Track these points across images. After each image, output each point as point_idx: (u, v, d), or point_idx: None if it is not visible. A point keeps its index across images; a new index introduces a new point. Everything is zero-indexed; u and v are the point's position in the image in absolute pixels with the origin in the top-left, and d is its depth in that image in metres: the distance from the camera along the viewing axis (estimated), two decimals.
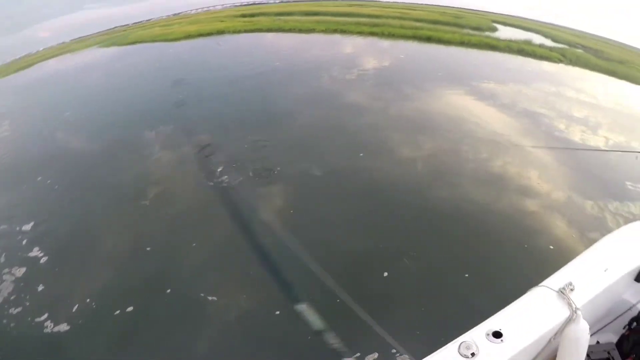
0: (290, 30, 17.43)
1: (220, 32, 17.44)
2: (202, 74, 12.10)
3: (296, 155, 7.23)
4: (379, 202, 6.07)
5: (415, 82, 10.41)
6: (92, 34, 20.36)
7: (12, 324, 4.61)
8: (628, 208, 6.05)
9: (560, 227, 5.63)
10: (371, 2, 25.67)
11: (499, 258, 5.17)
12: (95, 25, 21.32)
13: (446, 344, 1.85)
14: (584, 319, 1.93)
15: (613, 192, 6.40)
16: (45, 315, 4.60)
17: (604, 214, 5.91)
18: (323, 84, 10.59)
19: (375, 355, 3.95)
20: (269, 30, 17.94)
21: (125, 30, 20.88)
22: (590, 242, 5.05)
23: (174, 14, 23.50)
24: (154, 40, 17.29)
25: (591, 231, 5.59)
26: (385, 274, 4.84)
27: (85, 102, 10.60)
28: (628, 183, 6.63)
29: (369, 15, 20.08)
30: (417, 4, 24.69)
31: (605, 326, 2.37)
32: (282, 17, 19.83)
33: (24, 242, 5.59)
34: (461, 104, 9.09)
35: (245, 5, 25.48)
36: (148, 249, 5.43)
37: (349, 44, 15.00)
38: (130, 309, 4.59)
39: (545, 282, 2.15)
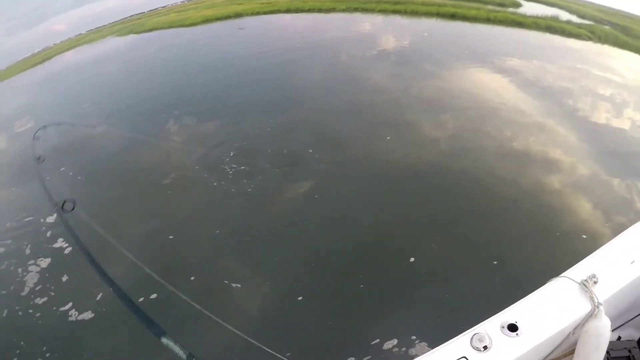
0: (309, 10, 17.07)
1: (239, 15, 17.31)
2: (222, 58, 12.14)
3: (320, 139, 7.17)
4: (406, 187, 6.01)
5: (440, 61, 10.13)
6: (107, 24, 20.56)
7: (37, 314, 4.80)
8: None
9: (585, 209, 5.41)
10: None
11: (528, 244, 5.03)
12: (109, 16, 21.54)
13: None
14: (606, 313, 1.83)
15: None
16: (70, 305, 4.76)
17: (632, 195, 5.65)
18: (345, 65, 10.47)
19: (395, 341, 3.96)
20: (288, 11, 17.68)
21: (140, 19, 21.03)
22: (617, 225, 4.94)
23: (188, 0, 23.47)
24: (170, 26, 17.36)
25: (618, 214, 5.37)
26: (412, 259, 4.78)
27: (105, 92, 10.71)
28: None
29: None
30: None
31: (628, 322, 2.26)
32: None
33: (49, 233, 5.75)
34: (486, 82, 8.84)
35: None
36: (171, 237, 5.54)
37: (371, 23, 14.69)
38: (154, 296, 4.69)
39: (567, 272, 2.03)
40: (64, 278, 5.10)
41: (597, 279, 1.93)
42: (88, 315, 4.63)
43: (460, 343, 1.86)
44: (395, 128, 7.30)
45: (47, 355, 4.37)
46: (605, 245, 2.19)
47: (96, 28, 20.46)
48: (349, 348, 4.00)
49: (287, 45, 12.41)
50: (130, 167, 7.18)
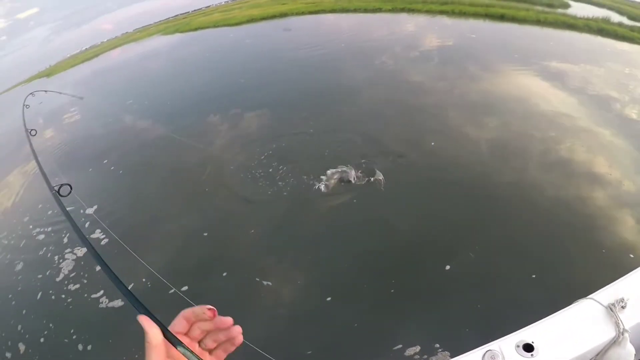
0: (355, 11, 17.13)
1: (283, 15, 17.60)
2: (267, 58, 12.29)
3: (362, 140, 7.13)
4: (447, 192, 5.87)
5: (487, 63, 9.86)
6: (153, 23, 21.37)
7: (69, 299, 5.06)
8: None
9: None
10: None
11: (570, 259, 4.78)
12: (155, 15, 22.41)
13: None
14: (631, 342, 1.74)
15: None
16: (101, 293, 4.97)
17: None
18: (390, 65, 10.37)
19: (417, 348, 3.88)
20: (333, 11, 17.82)
21: (185, 18, 21.73)
22: None
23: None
24: (215, 25, 17.83)
25: None
26: (448, 267, 4.66)
27: (148, 89, 11.16)
28: None
29: None
30: None
31: None
32: None
33: (87, 224, 6.03)
34: (533, 86, 8.52)
35: None
36: (205, 234, 5.66)
37: (417, 24, 14.54)
38: (184, 288, 4.80)
39: (594, 295, 1.92)
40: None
41: (626, 304, 1.82)
42: (118, 303, 4.80)
43: (471, 359, 1.82)
44: (439, 131, 7.15)
45: (74, 337, 4.60)
46: (638, 270, 2.08)
47: (143, 27, 21.30)
48: (370, 352, 3.97)
49: (332, 46, 12.51)
50: (169, 165, 7.40)
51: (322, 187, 6.04)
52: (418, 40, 12.17)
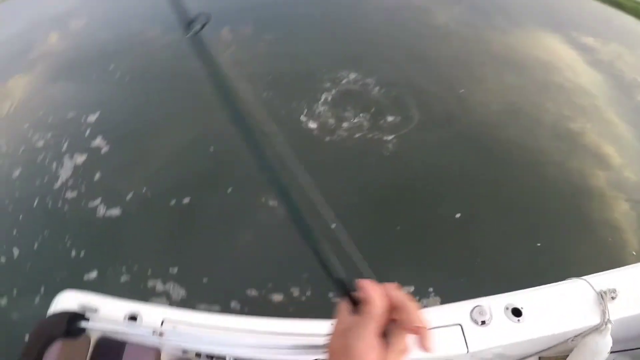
0: None
1: None
2: None
3: (379, 82, 6.91)
4: (464, 143, 5.89)
5: (516, 18, 9.40)
6: None
7: (66, 207, 5.12)
8: None
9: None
10: None
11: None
12: None
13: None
14: (611, 333, 1.80)
15: None
16: (99, 200, 5.04)
17: None
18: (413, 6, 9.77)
19: (412, 288, 4.06)
20: None
21: None
22: None
23: None
24: None
25: None
26: (458, 214, 4.76)
27: None
28: None
29: None
30: None
31: (628, 350, 2.20)
32: None
33: (88, 131, 6.00)
34: (557, 52, 8.27)
35: None
36: (211, 149, 5.65)
37: None
38: (186, 200, 4.93)
39: (588, 277, 1.99)
40: (97, 176, 5.36)
41: (617, 295, 1.88)
42: (115, 212, 4.90)
43: (460, 310, 1.89)
44: (457, 80, 7.01)
45: (68, 244, 4.70)
46: (636, 265, 2.12)
47: None
48: None
49: None
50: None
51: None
52: None
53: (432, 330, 1.79)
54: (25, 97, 7.35)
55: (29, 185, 5.49)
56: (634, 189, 5.52)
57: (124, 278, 4.34)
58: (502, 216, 4.92)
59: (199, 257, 4.54)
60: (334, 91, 6.55)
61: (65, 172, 5.47)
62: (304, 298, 4.10)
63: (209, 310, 3.81)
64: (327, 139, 5.78)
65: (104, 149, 5.69)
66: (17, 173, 5.76)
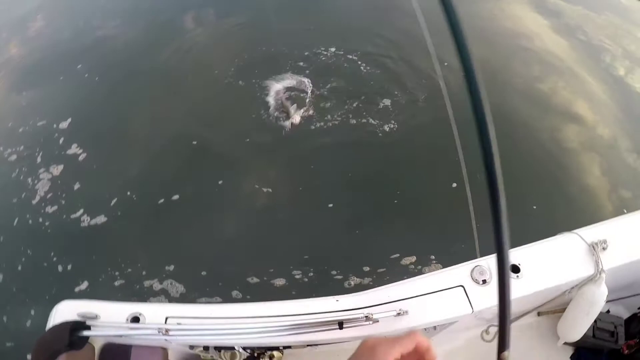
0: None
1: None
2: None
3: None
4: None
5: None
6: None
7: (47, 222, 4.97)
8: None
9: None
10: None
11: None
12: None
13: None
14: (606, 283, 1.88)
15: None
16: (81, 211, 4.94)
17: None
18: None
19: (413, 258, 4.21)
20: None
21: None
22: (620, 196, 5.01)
23: None
24: None
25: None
26: (454, 184, 4.82)
27: None
28: None
29: None
30: None
31: (621, 299, 2.30)
32: None
33: (62, 140, 5.81)
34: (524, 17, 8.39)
35: None
36: (194, 142, 5.59)
37: None
38: (175, 197, 4.90)
39: (579, 230, 2.08)
40: (76, 186, 5.24)
41: (607, 245, 1.95)
42: (100, 219, 4.83)
43: (460, 272, 1.95)
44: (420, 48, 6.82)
45: (54, 259, 4.61)
46: (626, 215, 2.21)
47: None
48: (368, 258, 4.26)
49: None
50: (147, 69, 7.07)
51: None
52: None
53: (436, 293, 1.85)
54: None
55: (6, 204, 5.29)
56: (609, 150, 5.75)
57: (118, 283, 4.31)
58: (512, 186, 5.02)
59: (195, 252, 4.54)
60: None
61: (42, 186, 5.32)
62: (306, 279, 4.17)
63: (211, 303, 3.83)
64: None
65: (81, 156, 5.54)
66: None
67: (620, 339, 2.20)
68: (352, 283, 4.09)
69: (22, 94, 6.97)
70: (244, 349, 1.96)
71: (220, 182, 5.07)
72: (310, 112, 5.87)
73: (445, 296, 1.85)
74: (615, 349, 2.23)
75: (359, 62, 6.63)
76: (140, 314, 1.82)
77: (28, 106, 6.68)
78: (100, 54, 7.57)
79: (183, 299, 4.06)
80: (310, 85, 6.25)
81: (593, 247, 1.94)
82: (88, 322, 1.73)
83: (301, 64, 6.63)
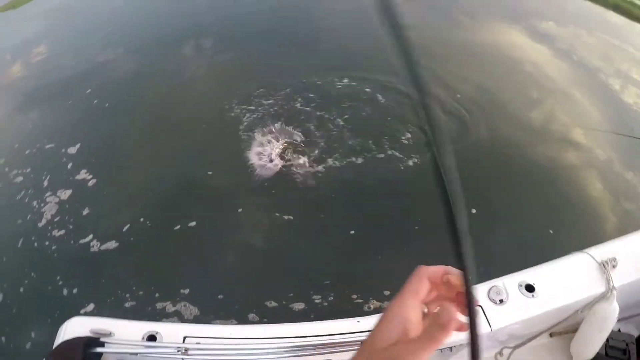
0: None
1: None
2: None
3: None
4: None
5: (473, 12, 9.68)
6: None
7: (54, 246, 4.97)
8: None
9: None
10: None
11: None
12: None
13: None
14: (617, 300, 1.98)
15: None
16: (90, 237, 4.94)
17: None
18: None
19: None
20: None
21: None
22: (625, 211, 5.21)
23: None
24: None
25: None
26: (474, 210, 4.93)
27: (123, 17, 10.46)
28: None
29: None
30: None
31: (632, 316, 2.37)
32: None
33: (70, 165, 5.86)
34: (518, 42, 8.65)
35: None
36: (210, 172, 5.63)
37: None
38: (192, 224, 4.92)
39: (589, 250, 2.19)
40: (85, 211, 5.27)
41: (617, 263, 2.04)
42: (111, 244, 4.83)
43: (477, 292, 1.99)
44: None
45: (60, 283, 4.59)
46: (634, 233, 2.32)
47: None
48: (388, 282, 4.19)
49: None
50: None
51: None
52: None
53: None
54: None
55: (11, 225, 5.30)
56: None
57: (128, 304, 4.29)
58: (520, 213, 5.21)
59: (211, 276, 4.58)
60: None
61: (49, 209, 5.34)
62: (325, 303, 4.19)
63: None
64: None
65: (90, 182, 5.60)
66: None
67: (632, 356, 2.28)
68: (372, 306, 4.12)
69: (29, 115, 7.06)
70: None
71: (239, 210, 5.12)
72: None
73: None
74: None
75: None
76: (157, 333, 1.81)
77: (36, 128, 6.76)
78: (108, 79, 7.67)
79: (197, 321, 4.05)
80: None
81: (603, 265, 2.04)
82: (102, 339, 1.72)
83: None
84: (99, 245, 4.85)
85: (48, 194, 5.52)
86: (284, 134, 6.03)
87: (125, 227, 4.98)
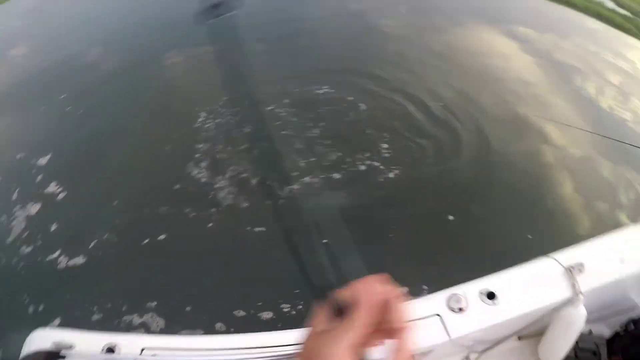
0: None
1: None
2: None
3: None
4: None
5: (455, 17, 9.85)
6: None
7: (21, 264, 4.83)
8: None
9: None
10: None
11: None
12: None
13: None
14: (584, 305, 1.96)
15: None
16: (58, 252, 4.81)
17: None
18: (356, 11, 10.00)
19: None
20: None
21: None
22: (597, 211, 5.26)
23: None
24: None
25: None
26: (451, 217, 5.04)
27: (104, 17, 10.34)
28: None
29: None
30: None
31: (603, 319, 2.36)
32: None
33: (40, 177, 5.72)
34: (496, 46, 8.81)
35: None
36: (177, 186, 5.54)
37: None
38: (162, 237, 4.84)
39: (555, 254, 2.17)
40: (54, 226, 5.14)
41: (584, 268, 2.02)
42: (79, 260, 4.72)
43: (436, 300, 1.98)
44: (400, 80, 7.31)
45: (26, 301, 4.46)
46: (599, 237, 2.32)
47: None
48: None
49: None
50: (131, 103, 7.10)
51: None
52: None
53: (412, 323, 1.85)
54: None
55: None
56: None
57: (95, 317, 4.21)
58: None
59: (179, 289, 4.48)
60: None
61: (18, 224, 5.19)
62: (294, 312, 4.14)
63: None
64: None
65: (60, 195, 5.47)
66: None
67: (602, 358, 2.26)
68: None
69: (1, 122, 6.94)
70: None
71: (209, 225, 5.03)
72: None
73: (422, 325, 1.89)
74: None
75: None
76: (116, 345, 1.78)
77: (6, 136, 6.64)
78: (84, 85, 7.51)
79: (165, 332, 3.99)
80: None
81: (570, 270, 2.01)
82: (62, 352, 1.69)
83: None
84: (66, 261, 4.73)
85: (17, 207, 5.38)
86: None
87: (93, 243, 4.88)
